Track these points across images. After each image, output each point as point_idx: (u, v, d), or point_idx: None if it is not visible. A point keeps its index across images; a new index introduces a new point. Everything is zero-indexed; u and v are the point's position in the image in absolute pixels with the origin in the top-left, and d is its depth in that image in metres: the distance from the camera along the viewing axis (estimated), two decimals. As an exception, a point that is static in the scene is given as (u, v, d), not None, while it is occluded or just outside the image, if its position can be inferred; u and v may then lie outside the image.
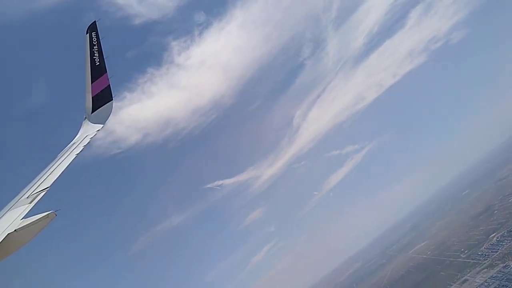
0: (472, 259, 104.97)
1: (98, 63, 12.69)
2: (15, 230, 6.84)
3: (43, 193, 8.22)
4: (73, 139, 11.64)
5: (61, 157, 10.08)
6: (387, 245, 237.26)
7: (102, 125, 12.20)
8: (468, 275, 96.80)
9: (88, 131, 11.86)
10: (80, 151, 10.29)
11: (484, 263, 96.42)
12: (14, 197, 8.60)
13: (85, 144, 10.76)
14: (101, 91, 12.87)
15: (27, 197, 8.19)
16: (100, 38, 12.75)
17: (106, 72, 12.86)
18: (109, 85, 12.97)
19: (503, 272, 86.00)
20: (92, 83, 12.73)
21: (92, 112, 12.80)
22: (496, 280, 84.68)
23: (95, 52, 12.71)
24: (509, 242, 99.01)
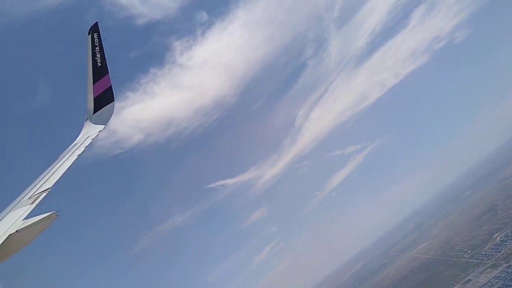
0: (476, 259, 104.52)
1: (100, 64, 12.74)
2: (16, 230, 6.85)
3: (45, 194, 8.25)
4: (74, 140, 11.68)
5: (62, 158, 10.11)
6: (390, 245, 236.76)
7: (103, 126, 12.23)
8: (472, 275, 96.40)
9: (90, 132, 11.90)
10: (82, 152, 10.32)
11: (488, 263, 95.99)
12: (16, 197, 8.62)
13: (86, 145, 10.79)
14: (102, 92, 12.92)
15: (29, 198, 8.22)
16: (102, 39, 12.80)
17: (108, 73, 12.90)
18: (110, 86, 13.01)
19: (506, 272, 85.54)
20: (93, 84, 12.78)
21: (94, 113, 12.84)
22: (500, 280, 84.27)
23: (97, 53, 12.76)
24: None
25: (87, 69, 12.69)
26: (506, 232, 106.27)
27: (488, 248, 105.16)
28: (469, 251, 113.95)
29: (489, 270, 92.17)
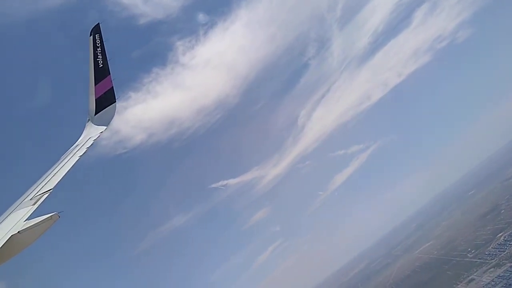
0: (479, 258, 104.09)
1: (101, 65, 12.75)
2: (18, 231, 6.87)
3: (47, 194, 8.26)
4: (76, 141, 11.70)
5: (64, 158, 10.13)
6: (393, 245, 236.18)
7: (105, 127, 12.24)
8: (475, 274, 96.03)
9: (92, 133, 11.91)
10: (83, 153, 10.33)
11: (491, 263, 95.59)
12: (18, 198, 8.65)
13: (88, 146, 10.80)
14: (104, 93, 12.93)
15: (31, 199, 8.24)
16: (104, 40, 12.81)
17: (110, 74, 12.91)
18: (112, 87, 13.02)
19: (510, 271, 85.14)
20: (95, 85, 12.79)
21: (96, 114, 12.84)
22: (503, 279, 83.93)
23: (98, 54, 12.77)
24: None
25: (88, 70, 12.72)
26: (510, 231, 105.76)
27: (491, 247, 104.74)
28: (472, 251, 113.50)
29: (492, 269, 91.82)
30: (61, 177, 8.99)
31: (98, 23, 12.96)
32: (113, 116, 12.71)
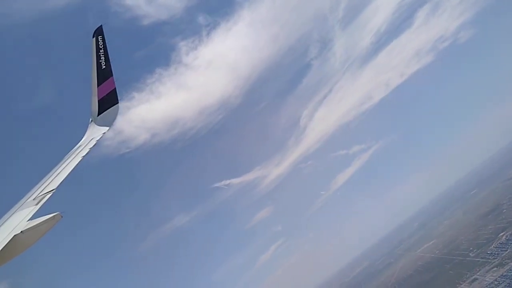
0: (481, 258, 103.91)
1: (104, 67, 12.79)
2: (21, 231, 6.89)
3: (49, 195, 8.30)
4: (79, 142, 11.75)
5: (67, 159, 10.16)
6: (395, 244, 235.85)
7: (108, 128, 12.26)
8: (478, 274, 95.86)
9: (94, 133, 11.94)
10: (86, 154, 10.37)
11: (494, 262, 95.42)
12: (21, 199, 8.69)
13: (91, 146, 10.83)
14: (107, 94, 12.96)
15: (34, 199, 8.27)
16: (107, 41, 12.86)
17: (112, 75, 12.95)
18: (115, 88, 13.04)
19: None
20: (98, 86, 12.83)
21: (98, 115, 12.88)
22: (506, 279, 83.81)
23: (101, 55, 12.82)
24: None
25: (91, 71, 12.76)
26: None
27: (493, 247, 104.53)
28: (474, 250, 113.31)
29: (495, 269, 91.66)
30: (63, 178, 9.02)
31: (101, 25, 13.02)
32: (115, 117, 12.73)
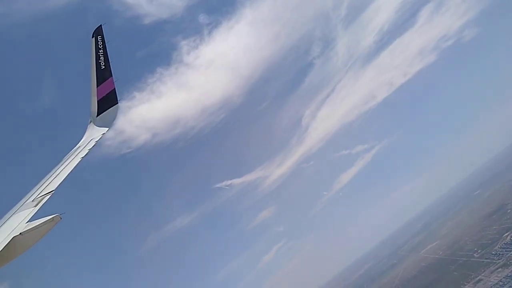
0: (486, 258, 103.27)
1: (103, 67, 12.77)
2: (20, 233, 6.87)
3: (48, 196, 8.27)
4: (78, 143, 11.72)
5: (66, 160, 10.14)
6: (398, 245, 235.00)
7: (107, 129, 12.24)
8: (482, 274, 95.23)
9: (93, 134, 11.92)
10: (85, 155, 10.34)
11: (499, 263, 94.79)
12: (19, 200, 8.67)
13: (90, 147, 10.81)
14: (106, 95, 12.95)
15: (32, 201, 8.25)
16: (108, 41, 12.85)
17: (112, 76, 12.93)
18: (114, 89, 13.03)
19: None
20: (97, 86, 12.82)
21: (98, 115, 12.87)
22: (511, 279, 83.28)
23: (100, 56, 12.80)
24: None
25: (90, 72, 12.74)
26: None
27: (498, 247, 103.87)
28: (479, 251, 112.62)
29: (500, 269, 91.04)
30: (63, 179, 9.00)
31: (100, 25, 13.00)
32: (115, 118, 12.72)
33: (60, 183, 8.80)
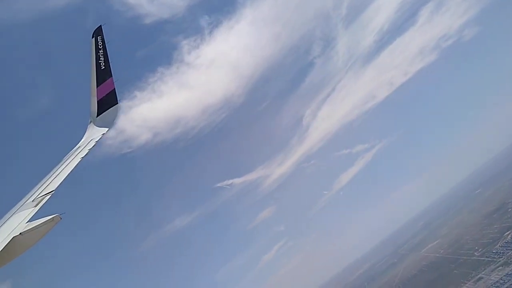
0: (487, 257, 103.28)
1: (103, 67, 12.77)
2: (20, 233, 6.88)
3: (48, 196, 8.29)
4: (78, 143, 11.73)
5: (66, 160, 10.15)
6: (399, 244, 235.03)
7: (107, 129, 12.23)
8: (483, 273, 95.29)
9: (93, 134, 11.92)
10: (85, 155, 10.35)
11: (499, 261, 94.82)
12: (20, 200, 8.69)
13: (90, 147, 10.81)
14: (106, 95, 12.94)
15: (32, 201, 8.26)
16: (109, 40, 12.84)
17: (112, 76, 12.93)
18: (114, 89, 13.02)
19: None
20: (97, 87, 12.81)
21: (98, 115, 12.86)
22: None
23: (100, 56, 12.79)
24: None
25: (90, 72, 12.75)
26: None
27: (499, 246, 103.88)
28: (479, 249, 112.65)
29: (500, 268, 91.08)
30: (63, 179, 9.01)
31: (100, 25, 13.00)
32: (115, 118, 12.71)
33: (60, 183, 8.81)
